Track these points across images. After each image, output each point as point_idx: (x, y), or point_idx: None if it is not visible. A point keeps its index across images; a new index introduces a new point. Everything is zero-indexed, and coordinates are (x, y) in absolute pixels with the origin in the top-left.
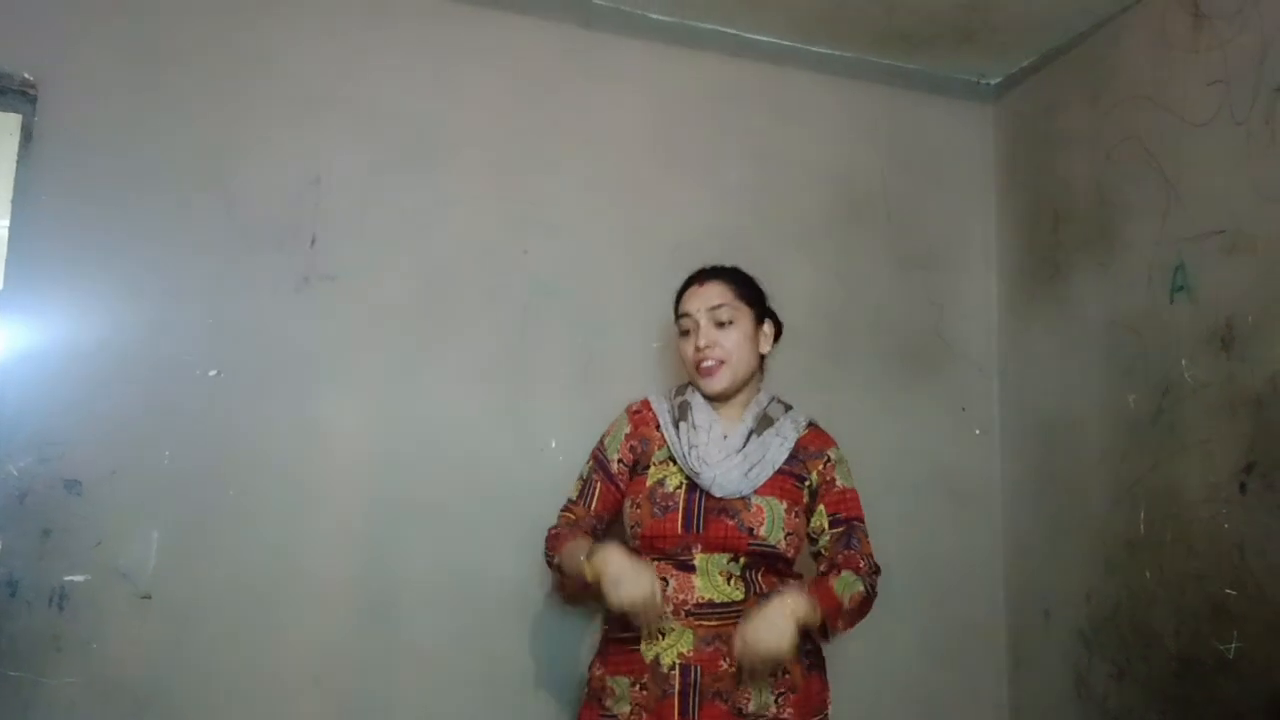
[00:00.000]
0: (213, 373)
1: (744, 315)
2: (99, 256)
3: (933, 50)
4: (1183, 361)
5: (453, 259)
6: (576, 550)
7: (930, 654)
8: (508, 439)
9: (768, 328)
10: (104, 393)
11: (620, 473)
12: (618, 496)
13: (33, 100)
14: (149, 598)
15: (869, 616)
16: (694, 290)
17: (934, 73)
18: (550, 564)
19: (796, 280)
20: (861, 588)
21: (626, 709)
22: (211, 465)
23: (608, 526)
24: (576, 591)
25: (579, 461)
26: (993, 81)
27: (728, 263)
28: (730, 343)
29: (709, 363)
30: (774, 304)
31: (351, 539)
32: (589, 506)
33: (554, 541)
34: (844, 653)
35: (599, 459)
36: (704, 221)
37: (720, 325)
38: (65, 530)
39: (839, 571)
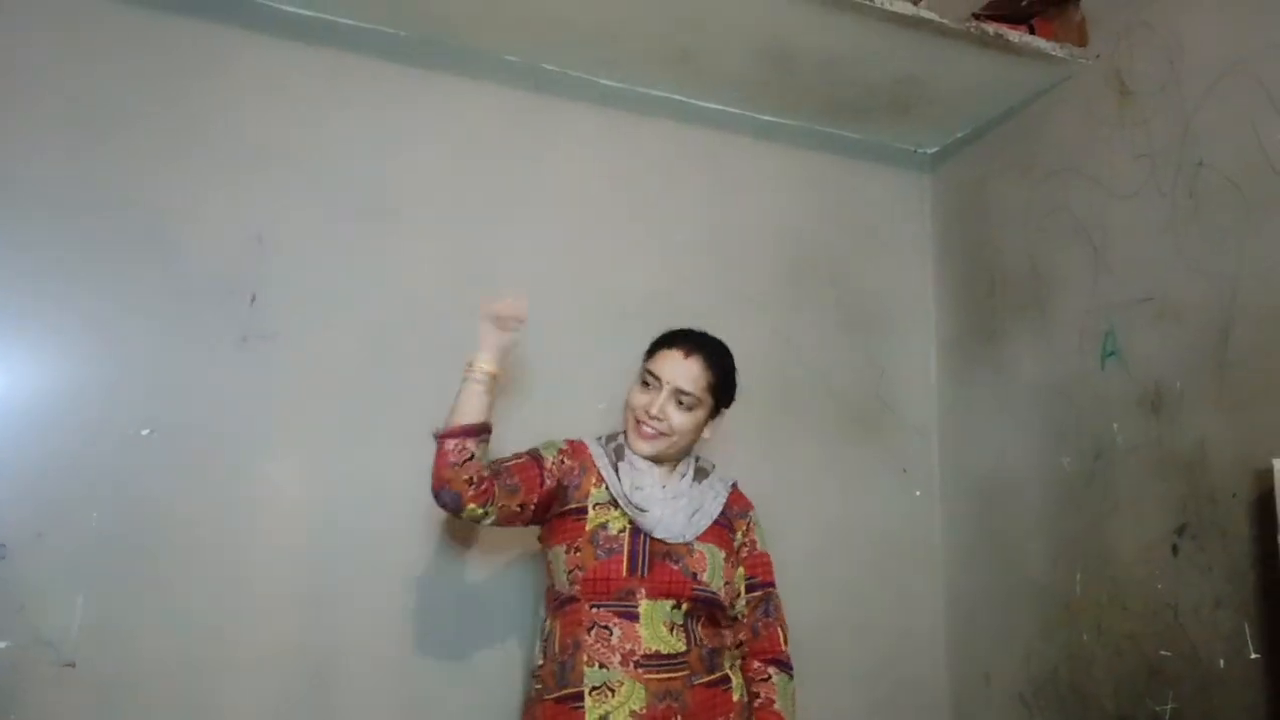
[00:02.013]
0: (145, 432)
1: (705, 407)
2: (29, 311)
3: (871, 120)
4: (1114, 425)
5: (396, 319)
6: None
7: (872, 718)
8: None
9: (718, 420)
10: (31, 452)
11: (550, 469)
12: (537, 480)
13: None
14: (73, 666)
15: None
16: (675, 358)
17: (873, 142)
18: (439, 477)
19: (740, 343)
20: (791, 685)
21: None
22: (142, 528)
23: (509, 495)
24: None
25: None
26: (929, 151)
27: (679, 325)
28: (680, 423)
29: (649, 429)
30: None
31: (289, 606)
32: (504, 464)
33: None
34: None
35: (531, 453)
36: (650, 284)
37: (680, 404)
38: None
39: (768, 674)
